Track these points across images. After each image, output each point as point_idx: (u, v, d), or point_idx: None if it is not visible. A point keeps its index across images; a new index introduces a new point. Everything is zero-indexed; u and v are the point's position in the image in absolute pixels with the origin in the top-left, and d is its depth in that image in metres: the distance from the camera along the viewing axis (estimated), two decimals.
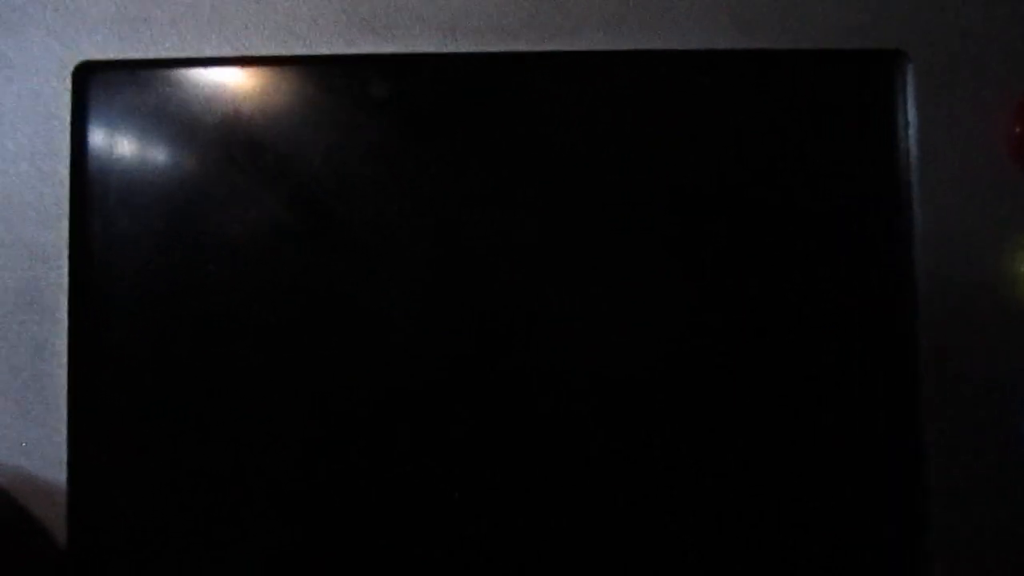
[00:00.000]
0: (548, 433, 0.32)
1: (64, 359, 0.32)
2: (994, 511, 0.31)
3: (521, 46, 0.32)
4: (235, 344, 0.32)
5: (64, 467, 0.32)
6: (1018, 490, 0.31)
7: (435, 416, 0.32)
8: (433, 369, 0.32)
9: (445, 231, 0.32)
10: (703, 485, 0.31)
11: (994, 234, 0.31)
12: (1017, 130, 0.31)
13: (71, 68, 0.33)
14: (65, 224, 0.32)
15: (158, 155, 0.33)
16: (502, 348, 0.32)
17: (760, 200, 0.32)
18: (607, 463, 0.32)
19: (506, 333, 0.32)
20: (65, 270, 0.32)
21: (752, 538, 0.31)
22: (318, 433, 0.32)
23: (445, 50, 0.32)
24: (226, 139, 0.33)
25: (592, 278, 0.32)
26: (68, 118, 0.32)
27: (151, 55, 0.33)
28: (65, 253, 0.32)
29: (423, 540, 0.32)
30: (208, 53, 0.33)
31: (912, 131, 0.32)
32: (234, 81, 0.33)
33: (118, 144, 0.33)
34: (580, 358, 0.32)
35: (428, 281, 0.32)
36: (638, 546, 0.32)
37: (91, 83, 0.33)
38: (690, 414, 0.32)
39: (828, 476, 0.31)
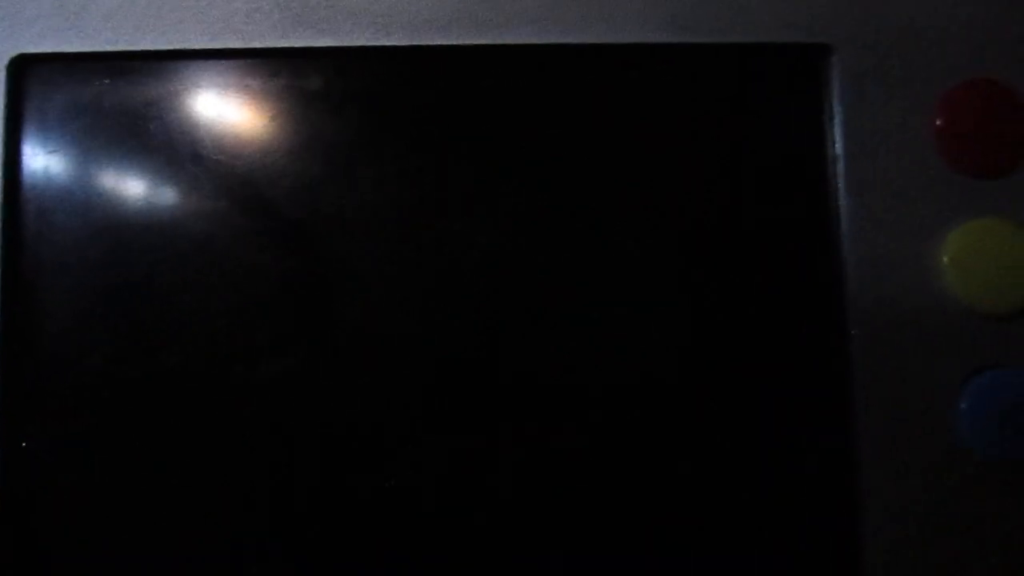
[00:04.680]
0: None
1: None
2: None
3: (454, 40, 0.33)
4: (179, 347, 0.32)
5: None
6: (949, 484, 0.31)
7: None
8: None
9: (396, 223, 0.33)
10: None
11: (920, 226, 0.32)
12: (939, 123, 0.31)
13: (6, 61, 0.33)
14: None
15: (96, 150, 0.33)
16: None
17: (687, 192, 0.33)
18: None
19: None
20: None
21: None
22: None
23: (379, 44, 0.33)
24: (167, 134, 0.33)
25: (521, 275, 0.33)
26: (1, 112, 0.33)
27: (86, 49, 0.33)
28: None
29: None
30: (144, 47, 0.33)
31: (838, 125, 0.32)
32: (175, 74, 0.33)
33: (54, 139, 0.33)
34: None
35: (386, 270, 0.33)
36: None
37: (27, 76, 0.33)
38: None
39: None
